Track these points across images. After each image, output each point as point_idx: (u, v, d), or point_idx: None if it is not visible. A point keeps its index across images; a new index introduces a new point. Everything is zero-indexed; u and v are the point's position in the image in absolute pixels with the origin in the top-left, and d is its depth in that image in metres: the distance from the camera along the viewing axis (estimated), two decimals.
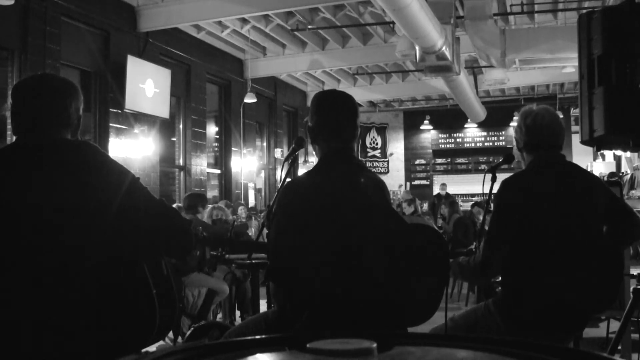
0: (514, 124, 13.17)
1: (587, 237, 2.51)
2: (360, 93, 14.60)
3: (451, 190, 14.97)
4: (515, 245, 2.50)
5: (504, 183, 2.59)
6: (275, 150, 14.21)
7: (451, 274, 2.71)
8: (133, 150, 9.21)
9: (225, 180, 12.40)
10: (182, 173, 11.00)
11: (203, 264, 5.52)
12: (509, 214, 2.53)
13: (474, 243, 6.70)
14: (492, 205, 2.71)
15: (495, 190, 2.66)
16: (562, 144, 2.66)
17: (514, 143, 2.74)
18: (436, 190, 18.08)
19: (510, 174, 2.66)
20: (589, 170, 14.26)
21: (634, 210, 2.68)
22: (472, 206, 9.90)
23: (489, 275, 2.72)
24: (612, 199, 2.61)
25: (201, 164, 11.27)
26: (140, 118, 9.37)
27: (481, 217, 8.84)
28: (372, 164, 18.02)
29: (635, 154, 10.55)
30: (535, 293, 2.46)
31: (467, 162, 18.15)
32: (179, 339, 5.19)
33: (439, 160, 18.40)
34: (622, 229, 2.59)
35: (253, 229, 9.51)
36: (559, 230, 2.48)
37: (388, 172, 18.18)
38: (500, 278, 2.66)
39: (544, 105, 2.74)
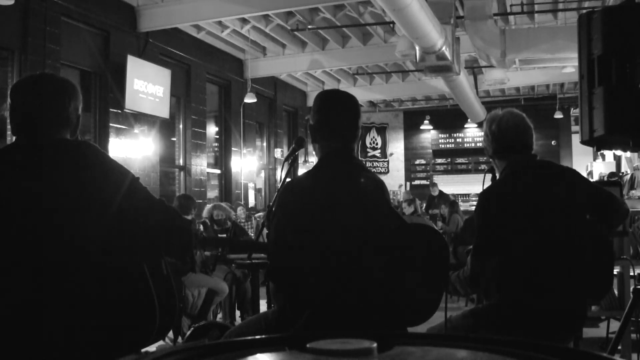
0: None
1: (573, 232, 2.51)
2: (360, 93, 14.59)
3: (451, 190, 14.91)
4: (505, 252, 2.50)
5: (483, 194, 2.60)
6: (275, 150, 14.21)
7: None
8: (133, 150, 9.21)
9: (225, 180, 12.39)
10: (182, 173, 11.00)
11: (193, 264, 5.52)
12: (492, 225, 2.54)
13: None
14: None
15: None
16: (532, 144, 2.66)
17: (485, 152, 2.74)
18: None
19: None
20: (588, 170, 14.21)
21: (634, 210, 2.68)
22: None
23: (479, 288, 2.72)
24: (593, 187, 2.62)
25: (201, 164, 11.27)
26: (140, 118, 9.37)
27: None
28: (372, 164, 18.02)
29: (635, 154, 10.54)
30: (531, 295, 2.46)
31: (467, 162, 18.14)
32: (179, 339, 5.19)
33: (439, 160, 18.39)
34: (608, 215, 2.60)
35: (252, 229, 9.52)
36: (544, 230, 2.49)
37: (388, 172, 18.17)
38: (495, 282, 2.66)
39: (509, 108, 2.75)
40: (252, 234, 9.07)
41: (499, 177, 2.67)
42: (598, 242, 2.53)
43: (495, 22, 9.86)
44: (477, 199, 2.75)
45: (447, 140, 18.37)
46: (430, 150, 18.45)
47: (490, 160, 2.73)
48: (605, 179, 10.94)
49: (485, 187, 2.63)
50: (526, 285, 2.47)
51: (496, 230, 2.52)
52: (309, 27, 10.84)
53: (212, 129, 12.49)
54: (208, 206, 7.20)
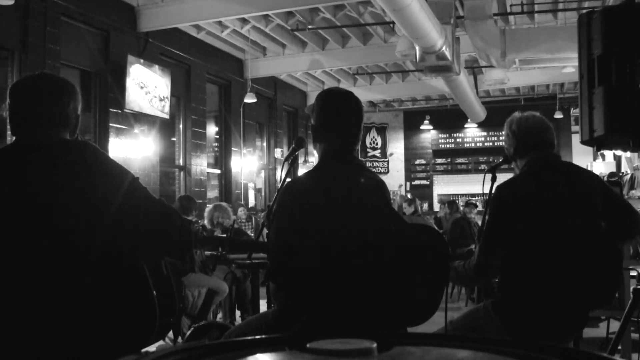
0: None
1: (586, 236, 2.51)
2: (360, 93, 14.46)
3: (451, 190, 14.87)
4: (513, 247, 2.51)
5: (499, 188, 2.61)
6: (275, 150, 14.21)
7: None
8: (133, 150, 9.21)
9: (225, 180, 12.39)
10: (182, 173, 11.00)
11: (193, 264, 5.52)
12: (504, 220, 2.54)
13: (473, 245, 6.62)
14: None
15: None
16: (553, 143, 2.66)
17: (506, 153, 2.74)
18: (437, 190, 18.10)
19: (510, 174, 2.67)
20: (588, 170, 14.19)
21: (634, 210, 2.68)
22: (466, 205, 9.41)
23: (484, 280, 2.73)
24: (611, 195, 2.61)
25: (201, 164, 11.27)
26: (140, 118, 9.37)
27: (473, 216, 8.76)
28: (372, 164, 18.02)
29: (635, 154, 10.55)
30: (534, 294, 2.46)
31: (467, 162, 18.15)
32: (179, 339, 5.19)
33: (439, 160, 18.39)
34: (622, 226, 2.60)
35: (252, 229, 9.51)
36: (557, 231, 2.49)
37: (388, 172, 18.18)
38: (497, 280, 2.67)
39: (528, 111, 2.76)
40: (252, 234, 9.07)
41: (517, 174, 2.67)
42: (607, 250, 2.53)
43: (495, 22, 9.86)
44: (480, 200, 2.76)
45: (447, 140, 18.38)
46: (430, 150, 18.46)
47: (512, 162, 2.72)
48: (605, 179, 10.94)
49: (502, 182, 2.63)
50: (529, 284, 2.47)
51: (507, 225, 2.52)
52: (309, 27, 10.84)
53: (212, 129, 12.49)
54: (209, 206, 7.17)
